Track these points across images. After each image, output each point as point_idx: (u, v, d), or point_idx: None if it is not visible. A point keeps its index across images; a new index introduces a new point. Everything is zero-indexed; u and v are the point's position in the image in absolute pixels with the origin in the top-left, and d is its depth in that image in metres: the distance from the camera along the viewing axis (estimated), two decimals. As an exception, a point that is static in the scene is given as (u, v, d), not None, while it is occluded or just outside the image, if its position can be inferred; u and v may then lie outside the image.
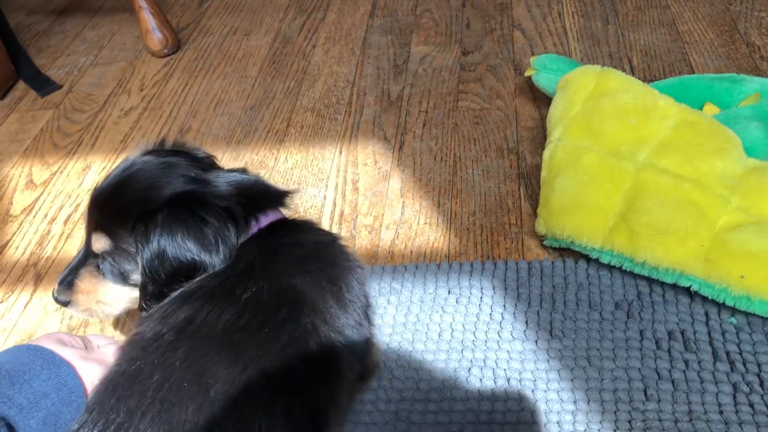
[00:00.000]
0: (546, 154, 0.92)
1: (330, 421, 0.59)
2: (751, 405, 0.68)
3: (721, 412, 0.68)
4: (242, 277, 0.60)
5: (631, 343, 0.75)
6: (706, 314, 0.77)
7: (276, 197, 0.70)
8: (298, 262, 0.63)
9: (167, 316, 0.58)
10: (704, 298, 0.78)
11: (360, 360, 0.65)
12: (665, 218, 0.79)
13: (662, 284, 0.80)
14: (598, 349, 0.75)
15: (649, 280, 0.81)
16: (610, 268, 0.83)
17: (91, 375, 0.63)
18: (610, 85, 0.94)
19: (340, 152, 1.09)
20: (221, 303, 0.58)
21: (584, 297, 0.80)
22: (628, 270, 0.81)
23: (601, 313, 0.79)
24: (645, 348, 0.75)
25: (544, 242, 0.88)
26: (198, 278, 0.62)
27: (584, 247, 0.83)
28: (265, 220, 0.67)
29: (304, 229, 0.69)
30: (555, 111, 0.97)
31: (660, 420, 0.68)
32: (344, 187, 1.03)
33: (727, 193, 0.81)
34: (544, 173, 0.90)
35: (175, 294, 0.61)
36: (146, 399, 0.53)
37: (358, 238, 0.94)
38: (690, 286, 0.78)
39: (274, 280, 0.60)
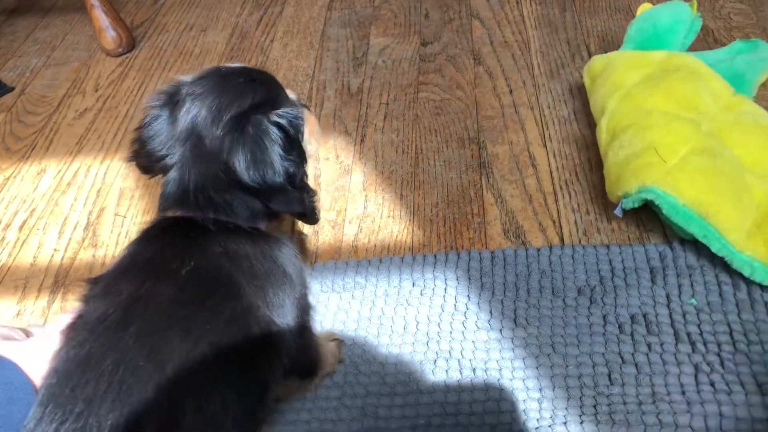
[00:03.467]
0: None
1: (270, 401, 0.59)
2: (712, 384, 0.69)
3: (683, 393, 0.69)
4: (176, 250, 0.59)
5: (594, 329, 0.76)
6: (668, 296, 0.78)
7: None
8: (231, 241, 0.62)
9: (109, 293, 0.56)
10: (665, 281, 0.79)
11: (297, 350, 0.64)
12: None
13: (624, 269, 0.81)
14: (562, 336, 0.75)
15: (611, 266, 0.82)
16: (572, 254, 0.84)
17: (37, 367, 0.61)
18: (746, 107, 0.91)
19: (301, 147, 1.08)
20: (163, 277, 0.57)
21: (547, 284, 0.81)
22: (758, 281, 0.76)
23: (564, 300, 0.79)
24: (608, 333, 0.75)
25: (627, 200, 0.81)
26: (126, 248, 0.61)
27: (710, 228, 0.76)
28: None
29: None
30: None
31: (624, 403, 0.68)
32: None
33: None
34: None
35: (110, 268, 0.60)
36: (103, 383, 0.51)
37: (321, 234, 0.93)
38: None
39: (210, 256, 0.59)
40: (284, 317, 0.61)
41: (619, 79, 0.92)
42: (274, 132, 0.63)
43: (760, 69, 0.98)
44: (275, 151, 0.62)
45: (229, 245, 0.60)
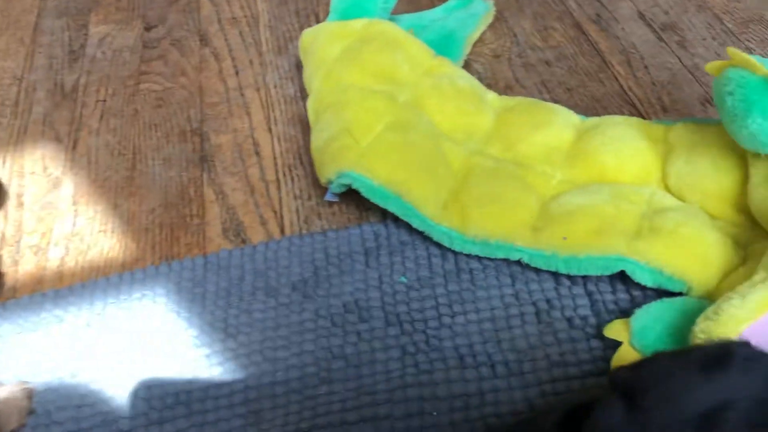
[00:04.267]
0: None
1: None
2: (416, 365, 0.68)
3: (388, 380, 0.67)
4: None
5: (306, 326, 0.72)
6: (380, 278, 0.76)
7: None
8: None
9: None
10: (378, 262, 0.77)
11: None
12: (495, 190, 0.76)
13: (339, 255, 0.78)
14: (272, 339, 0.72)
15: (326, 254, 0.79)
16: (288, 247, 0.80)
17: None
18: (445, 70, 0.89)
19: (3, 163, 0.96)
20: None
21: (261, 284, 0.76)
22: (458, 250, 0.75)
23: (277, 299, 0.75)
24: (320, 328, 0.72)
25: (333, 185, 0.78)
26: None
27: (407, 206, 0.75)
28: None
29: None
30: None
31: (329, 403, 0.66)
32: (7, 204, 0.90)
33: (551, 170, 0.80)
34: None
35: None
36: None
37: (21, 263, 0.83)
38: (521, 259, 0.74)
39: None
40: None
41: (322, 53, 0.88)
42: None
43: (471, 26, 0.98)
44: None
45: None
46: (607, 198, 0.73)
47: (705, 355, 0.37)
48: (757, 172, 0.68)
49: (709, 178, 0.73)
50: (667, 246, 0.68)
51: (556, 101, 0.95)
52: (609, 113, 0.92)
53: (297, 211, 0.86)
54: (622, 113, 0.93)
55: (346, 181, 0.76)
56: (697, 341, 0.58)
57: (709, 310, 0.58)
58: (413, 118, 0.79)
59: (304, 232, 0.83)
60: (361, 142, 0.76)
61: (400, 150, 0.75)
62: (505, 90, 0.98)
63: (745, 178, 0.72)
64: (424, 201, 0.75)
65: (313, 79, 0.87)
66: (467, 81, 0.87)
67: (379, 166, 0.74)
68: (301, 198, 0.87)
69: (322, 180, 0.80)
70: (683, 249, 0.67)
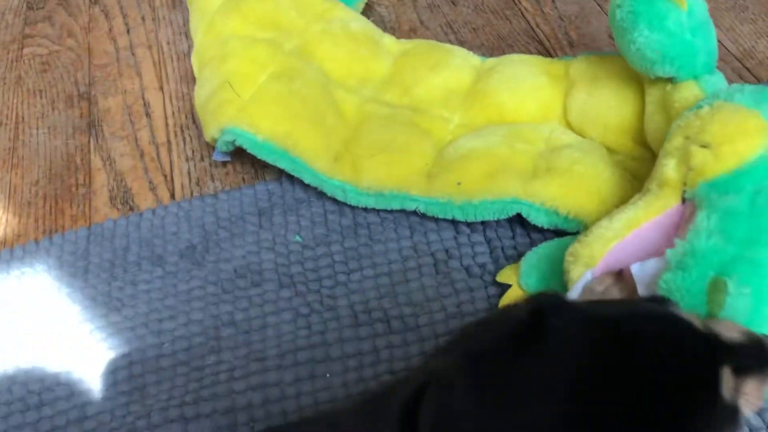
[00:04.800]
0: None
1: None
2: (309, 327, 0.65)
3: (279, 345, 0.64)
4: None
5: (194, 294, 0.68)
6: (273, 239, 0.72)
7: None
8: None
9: None
10: (271, 222, 0.73)
11: None
12: (388, 138, 0.72)
13: (230, 218, 0.74)
14: (159, 311, 0.68)
15: (217, 217, 0.74)
16: (176, 212, 0.75)
17: None
18: (337, 13, 0.83)
19: None
20: None
21: (147, 254, 0.72)
22: (353, 204, 0.72)
23: (164, 268, 0.71)
24: (209, 295, 0.68)
25: (219, 143, 0.74)
26: None
27: (295, 160, 0.71)
28: None
29: None
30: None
31: (216, 373, 0.63)
32: None
33: (449, 114, 0.76)
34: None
35: None
36: None
37: None
38: (417, 208, 0.70)
39: None
40: None
41: (204, 4, 0.82)
42: None
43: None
44: None
45: None
46: (501, 139, 0.69)
47: (514, 328, 0.34)
48: (651, 100, 0.65)
49: (611, 110, 0.70)
50: (561, 185, 0.65)
51: (461, 42, 0.91)
52: (515, 52, 0.88)
53: (189, 173, 0.81)
54: (528, 51, 0.89)
55: (229, 137, 0.71)
56: (567, 264, 0.56)
57: (581, 234, 0.56)
58: (300, 67, 0.74)
59: (195, 195, 0.78)
60: (243, 95, 0.71)
61: (284, 101, 0.71)
62: (409, 33, 0.94)
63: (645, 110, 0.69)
64: (314, 154, 0.70)
65: (197, 31, 0.81)
66: (361, 25, 0.82)
67: (262, 119, 0.70)
68: (193, 159, 0.82)
69: (207, 138, 0.75)
70: (577, 187, 0.64)
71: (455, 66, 0.79)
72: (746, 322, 0.48)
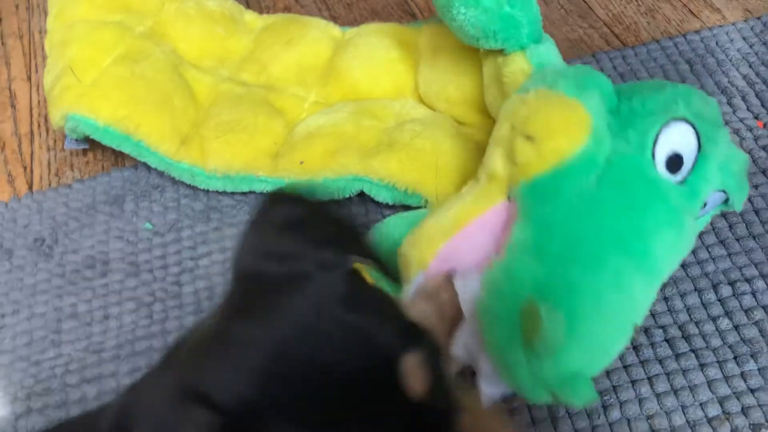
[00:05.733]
0: None
1: None
2: (151, 316, 0.63)
3: (118, 336, 0.63)
4: None
5: (39, 287, 0.67)
6: (123, 227, 0.70)
7: None
8: None
9: None
10: (122, 210, 0.71)
11: None
12: (234, 117, 0.70)
13: (82, 207, 0.72)
14: (2, 305, 0.66)
15: (68, 207, 0.73)
16: (29, 204, 0.73)
17: None
18: None
19: None
20: None
21: (-5, 248, 0.70)
22: (203, 187, 0.70)
23: (11, 261, 0.69)
24: (54, 288, 0.67)
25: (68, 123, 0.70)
26: None
27: (139, 144, 0.70)
28: None
29: None
30: None
31: (53, 367, 0.61)
32: None
33: (305, 92, 0.75)
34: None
35: None
36: None
37: None
38: (263, 190, 0.69)
39: None
40: None
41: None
42: None
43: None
44: None
45: None
46: (347, 116, 0.68)
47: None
48: (486, 72, 0.64)
49: (450, 83, 0.69)
50: (400, 160, 0.64)
51: (334, 18, 0.89)
52: (389, 26, 0.86)
53: (49, 164, 0.79)
54: (402, 25, 0.87)
55: (72, 124, 0.69)
56: (400, 264, 0.54)
57: (415, 228, 0.55)
58: (149, 48, 0.72)
59: (54, 186, 0.76)
60: (84, 80, 0.69)
61: (125, 85, 0.69)
62: (284, 11, 0.92)
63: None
64: (159, 137, 0.69)
65: (50, 18, 0.79)
66: (218, 3, 0.80)
67: (102, 104, 0.68)
68: (54, 149, 0.80)
69: (54, 126, 0.73)
70: (416, 161, 0.63)
71: (312, 39, 0.77)
72: (563, 348, 0.46)
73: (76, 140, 0.74)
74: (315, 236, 0.37)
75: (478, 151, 0.66)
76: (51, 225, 0.72)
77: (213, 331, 0.34)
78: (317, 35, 0.77)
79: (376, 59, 0.73)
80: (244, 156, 0.68)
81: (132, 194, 0.73)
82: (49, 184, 0.77)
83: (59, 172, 0.78)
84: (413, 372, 0.32)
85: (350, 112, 0.69)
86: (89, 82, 0.70)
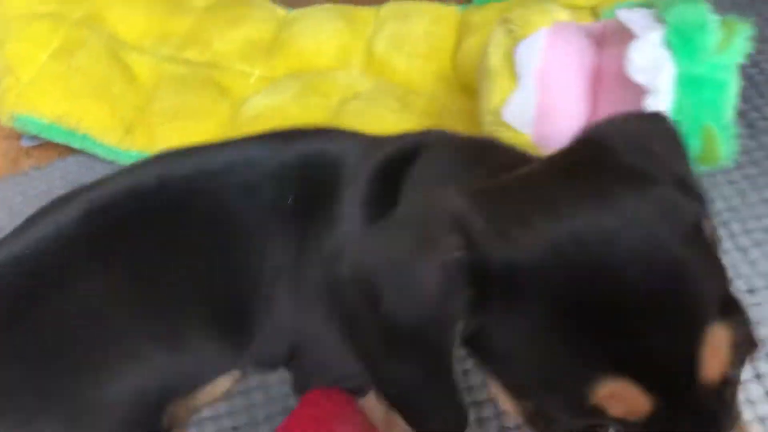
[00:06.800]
0: None
1: None
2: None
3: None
4: None
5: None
6: (80, 213, 0.72)
7: None
8: None
9: None
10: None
11: None
12: (182, 101, 0.72)
13: (38, 195, 0.73)
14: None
15: (25, 196, 0.74)
16: (-14, 193, 0.75)
17: None
18: None
19: None
20: None
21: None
22: None
23: (-30, 253, 0.71)
24: (12, 276, 0.68)
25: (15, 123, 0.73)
26: None
27: (84, 137, 0.71)
28: None
29: None
30: None
31: None
32: None
33: (250, 67, 0.75)
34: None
35: None
36: None
37: None
38: None
39: None
40: None
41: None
42: None
43: None
44: None
45: None
46: (291, 97, 0.69)
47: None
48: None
49: (420, 38, 0.71)
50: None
51: (293, 4, 0.89)
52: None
53: (6, 154, 0.80)
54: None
55: (20, 124, 0.70)
56: None
57: None
58: (85, 37, 0.73)
59: (13, 173, 0.78)
60: (23, 79, 0.70)
61: (62, 79, 0.70)
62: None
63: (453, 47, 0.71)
64: (102, 128, 0.70)
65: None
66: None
67: (42, 102, 0.69)
68: (11, 138, 0.81)
69: (6, 126, 0.74)
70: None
71: (258, 18, 0.78)
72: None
73: (32, 137, 0.75)
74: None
75: (426, 117, 0.67)
76: (8, 214, 0.73)
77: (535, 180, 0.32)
78: (263, 15, 0.78)
79: (323, 27, 0.75)
80: (191, 141, 0.69)
81: (88, 180, 0.74)
82: (8, 172, 0.78)
83: (16, 161, 0.78)
84: (717, 348, 0.28)
85: (295, 92, 0.69)
86: (27, 81, 0.70)
